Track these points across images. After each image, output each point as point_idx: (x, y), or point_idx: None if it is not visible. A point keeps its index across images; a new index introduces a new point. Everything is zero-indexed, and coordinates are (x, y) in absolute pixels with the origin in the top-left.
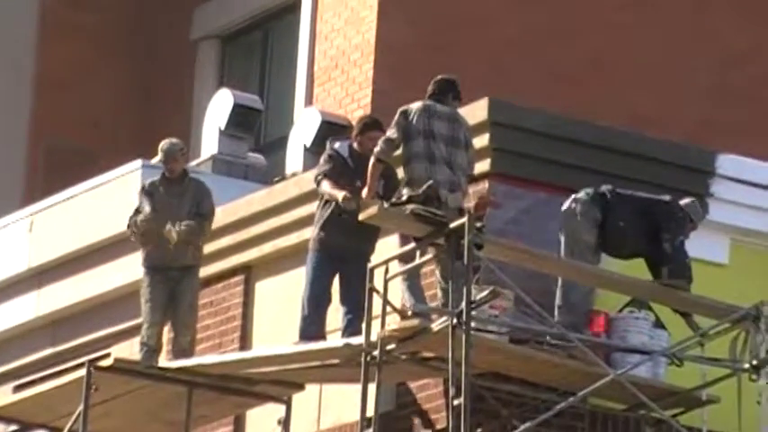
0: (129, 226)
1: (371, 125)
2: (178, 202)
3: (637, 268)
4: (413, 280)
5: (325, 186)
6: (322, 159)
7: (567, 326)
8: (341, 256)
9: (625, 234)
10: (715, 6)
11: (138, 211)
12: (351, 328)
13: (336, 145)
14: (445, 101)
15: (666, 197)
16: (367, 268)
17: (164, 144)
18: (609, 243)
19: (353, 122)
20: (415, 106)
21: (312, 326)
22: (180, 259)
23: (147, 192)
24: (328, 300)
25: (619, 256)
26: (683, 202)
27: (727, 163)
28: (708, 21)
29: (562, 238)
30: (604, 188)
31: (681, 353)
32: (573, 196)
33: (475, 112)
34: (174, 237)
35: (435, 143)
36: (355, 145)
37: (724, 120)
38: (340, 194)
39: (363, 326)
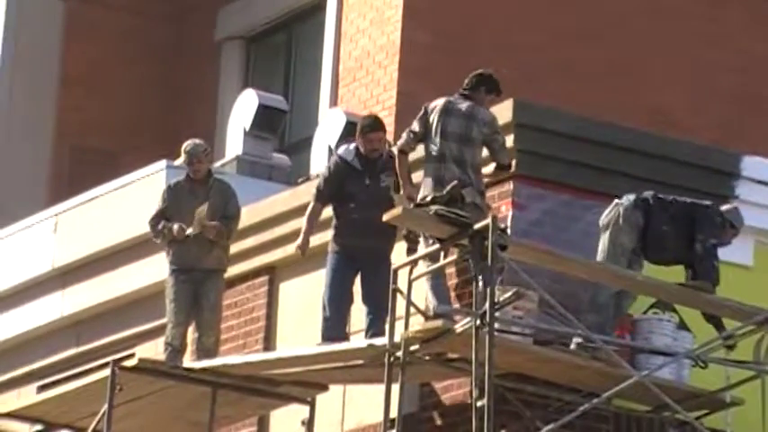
0: (152, 227)
1: (371, 126)
2: (203, 203)
3: (661, 271)
4: (438, 280)
5: (306, 215)
6: (323, 170)
7: (593, 327)
8: (359, 255)
9: (666, 238)
10: (731, 13)
11: (159, 213)
12: (373, 329)
13: (341, 150)
14: (476, 95)
15: (707, 202)
16: (387, 267)
17: (187, 145)
18: (650, 248)
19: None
20: (436, 104)
21: (333, 327)
22: (204, 261)
23: (169, 192)
24: (349, 300)
25: (660, 261)
26: (724, 207)
27: (752, 165)
28: (725, 27)
29: (601, 242)
30: (647, 194)
31: (705, 355)
32: (616, 201)
33: (500, 113)
34: (197, 227)
35: (447, 142)
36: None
37: (744, 124)
38: (300, 239)
39: (387, 326)
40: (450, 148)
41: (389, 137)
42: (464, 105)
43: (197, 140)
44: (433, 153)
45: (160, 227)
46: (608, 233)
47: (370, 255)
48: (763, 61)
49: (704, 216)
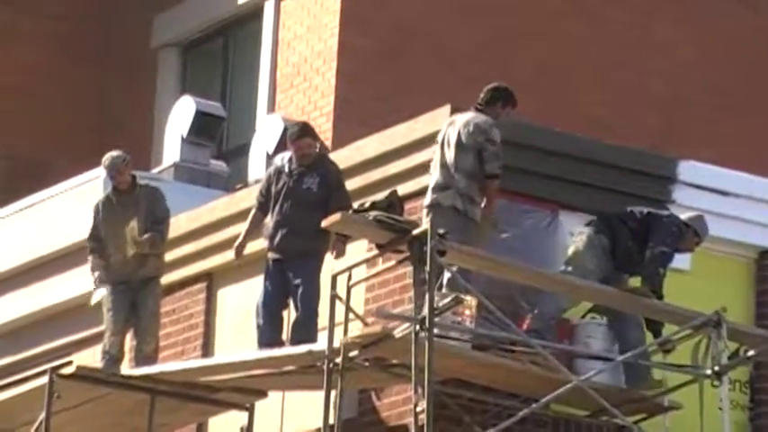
0: (89, 252)
1: (298, 133)
2: (133, 212)
3: None
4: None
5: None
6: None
7: (538, 332)
8: (286, 258)
9: (633, 253)
10: (660, 20)
11: (93, 232)
12: (294, 335)
13: (276, 159)
14: (490, 110)
15: (666, 212)
16: (312, 268)
17: (105, 159)
18: (622, 265)
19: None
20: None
21: (266, 334)
22: (140, 271)
23: (99, 209)
24: (281, 305)
25: (634, 274)
26: (688, 216)
27: (689, 169)
28: (654, 33)
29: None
30: (607, 213)
31: (643, 359)
32: (579, 230)
33: (436, 118)
34: (132, 247)
35: (442, 150)
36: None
37: (676, 129)
38: (237, 241)
39: (326, 333)
40: (443, 154)
41: (327, 142)
42: (466, 115)
43: (114, 152)
44: (435, 163)
45: (91, 263)
46: (574, 262)
47: (296, 257)
48: (693, 67)
49: (659, 225)
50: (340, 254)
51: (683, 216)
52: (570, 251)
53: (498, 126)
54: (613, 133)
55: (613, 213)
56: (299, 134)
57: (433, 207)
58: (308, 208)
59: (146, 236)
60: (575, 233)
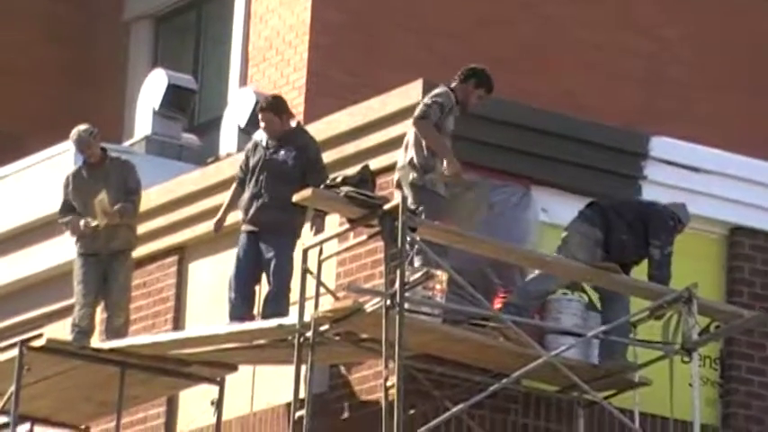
0: (61, 221)
1: (259, 108)
2: (104, 185)
3: None
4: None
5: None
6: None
7: (512, 307)
8: (260, 230)
9: (626, 246)
10: (644, 1)
11: (63, 205)
12: (265, 309)
13: (256, 134)
14: (461, 87)
15: (658, 204)
16: (286, 242)
17: (72, 134)
18: (613, 256)
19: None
20: None
21: (237, 308)
22: (111, 244)
23: (70, 182)
24: (254, 279)
25: (622, 266)
26: (672, 203)
27: (661, 145)
28: (634, 10)
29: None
30: (603, 204)
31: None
32: (572, 219)
33: (409, 92)
34: (102, 218)
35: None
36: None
37: (653, 107)
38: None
39: (297, 307)
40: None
41: (300, 116)
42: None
43: (81, 126)
44: None
45: (66, 220)
46: (564, 253)
47: (271, 229)
48: (672, 45)
49: (658, 221)
50: (319, 230)
51: (666, 202)
52: (561, 239)
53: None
54: (589, 111)
55: (609, 205)
56: (259, 108)
57: (398, 186)
58: (283, 180)
59: (116, 206)
60: (567, 228)
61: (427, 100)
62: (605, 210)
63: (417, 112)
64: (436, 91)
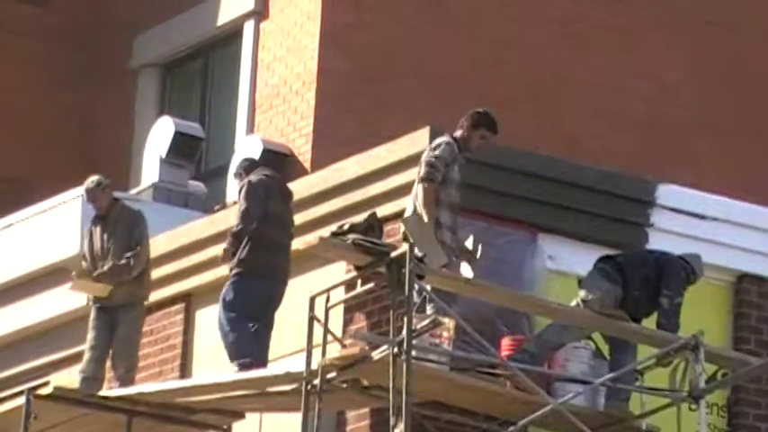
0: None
1: None
2: (111, 237)
3: None
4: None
5: None
6: None
7: (531, 355)
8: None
9: (640, 301)
10: (644, 42)
11: (83, 258)
12: None
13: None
14: (466, 132)
15: (675, 254)
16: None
17: (84, 184)
18: (630, 313)
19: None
20: None
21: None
22: (114, 297)
23: (86, 236)
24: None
25: (637, 320)
26: (688, 254)
27: (667, 193)
28: (638, 55)
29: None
30: (619, 259)
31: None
32: (586, 279)
33: (415, 140)
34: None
35: None
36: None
37: (656, 152)
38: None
39: (304, 354)
40: None
41: (306, 164)
42: None
43: (93, 177)
44: None
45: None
46: (586, 307)
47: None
48: (675, 89)
49: (671, 271)
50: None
51: (681, 252)
52: (581, 297)
53: (475, 150)
54: (592, 155)
55: (626, 261)
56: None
57: (404, 237)
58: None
59: (106, 267)
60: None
61: (430, 157)
62: (623, 267)
63: (422, 171)
64: (437, 142)
